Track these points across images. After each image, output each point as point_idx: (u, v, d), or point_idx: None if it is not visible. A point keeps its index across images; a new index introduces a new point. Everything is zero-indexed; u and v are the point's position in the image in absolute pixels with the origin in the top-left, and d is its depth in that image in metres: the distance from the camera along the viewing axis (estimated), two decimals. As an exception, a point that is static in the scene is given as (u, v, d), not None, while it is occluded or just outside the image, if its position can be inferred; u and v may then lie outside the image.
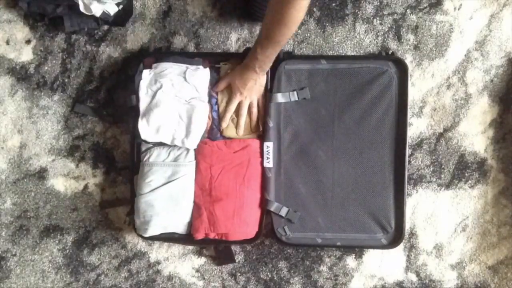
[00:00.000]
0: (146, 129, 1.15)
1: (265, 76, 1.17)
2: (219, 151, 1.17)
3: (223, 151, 1.17)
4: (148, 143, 1.17)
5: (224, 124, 1.19)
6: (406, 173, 1.20)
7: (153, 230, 1.14)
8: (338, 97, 1.20)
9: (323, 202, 1.20)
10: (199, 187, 1.16)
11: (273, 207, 1.19)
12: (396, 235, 1.21)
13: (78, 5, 1.16)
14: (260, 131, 1.20)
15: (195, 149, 1.18)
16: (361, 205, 1.20)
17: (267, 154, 1.19)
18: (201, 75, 1.16)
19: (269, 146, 1.19)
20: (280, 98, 1.20)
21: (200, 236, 1.17)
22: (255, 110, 1.19)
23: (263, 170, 1.19)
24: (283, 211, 1.19)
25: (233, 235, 1.16)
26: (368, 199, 1.20)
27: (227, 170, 1.16)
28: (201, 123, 1.16)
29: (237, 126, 1.19)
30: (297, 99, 1.20)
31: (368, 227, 1.20)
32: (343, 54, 1.26)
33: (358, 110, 1.20)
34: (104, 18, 1.20)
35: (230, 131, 1.19)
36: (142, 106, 1.16)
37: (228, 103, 1.18)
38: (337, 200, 1.20)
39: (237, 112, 1.19)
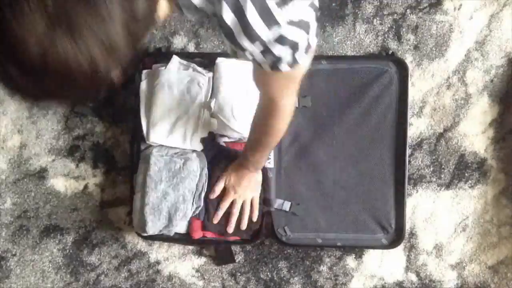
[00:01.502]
0: (153, 133, 1.14)
1: (260, 173, 1.16)
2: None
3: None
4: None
5: (215, 221, 1.17)
6: (407, 173, 1.20)
7: (152, 228, 1.13)
8: (338, 98, 1.20)
9: (324, 202, 1.20)
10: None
11: (276, 204, 1.19)
12: (397, 235, 1.21)
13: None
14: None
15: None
16: (362, 205, 1.20)
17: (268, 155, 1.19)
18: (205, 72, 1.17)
19: None
20: None
21: (197, 235, 1.17)
22: (247, 210, 1.17)
23: (264, 170, 1.19)
24: (286, 206, 1.20)
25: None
26: (368, 199, 1.20)
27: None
28: (208, 121, 1.16)
29: (227, 223, 1.16)
30: (297, 106, 1.20)
31: (369, 227, 1.20)
32: (343, 54, 1.26)
33: (359, 110, 1.20)
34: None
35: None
36: (142, 106, 1.16)
37: (221, 201, 1.16)
38: (338, 200, 1.20)
39: (230, 210, 1.17)
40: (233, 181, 1.14)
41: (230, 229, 1.16)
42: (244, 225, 1.16)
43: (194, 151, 1.17)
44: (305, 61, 0.71)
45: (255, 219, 1.17)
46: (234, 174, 1.14)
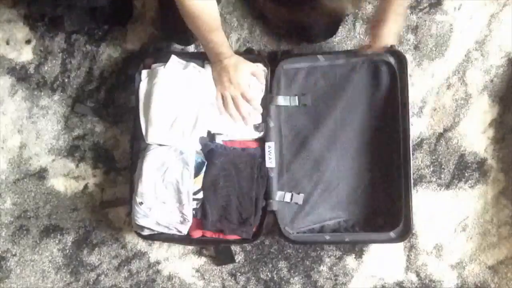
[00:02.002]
0: (152, 132, 1.14)
1: (234, 56, 1.15)
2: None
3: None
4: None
5: (232, 117, 1.16)
6: (411, 166, 1.18)
7: (146, 222, 1.13)
8: (338, 93, 1.20)
9: (329, 199, 1.20)
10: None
11: (276, 196, 1.19)
12: (405, 228, 1.19)
13: (77, 5, 1.16)
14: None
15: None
16: (368, 201, 1.20)
17: (269, 154, 1.19)
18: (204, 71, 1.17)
19: (270, 146, 1.19)
20: (280, 101, 1.20)
21: (196, 235, 1.17)
22: (244, 101, 1.16)
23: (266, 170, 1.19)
24: (287, 197, 1.20)
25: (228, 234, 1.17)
26: (374, 194, 1.20)
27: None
28: (205, 120, 1.16)
29: (242, 119, 1.16)
30: (297, 104, 1.20)
31: (376, 221, 1.20)
32: (340, 50, 1.26)
33: (359, 104, 1.20)
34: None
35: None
36: (141, 106, 1.16)
37: (223, 106, 1.17)
38: (343, 196, 1.20)
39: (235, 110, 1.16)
40: (216, 82, 1.15)
41: (247, 121, 1.17)
42: (247, 116, 1.16)
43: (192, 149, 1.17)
44: None
45: (257, 107, 1.17)
46: (214, 74, 1.15)
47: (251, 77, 1.16)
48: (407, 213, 1.19)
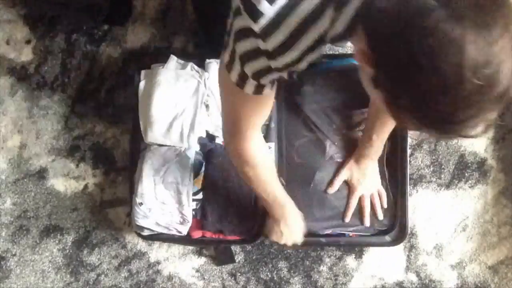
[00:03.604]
0: (151, 132, 1.14)
1: (377, 164, 1.15)
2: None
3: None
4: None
5: (346, 220, 1.16)
6: (408, 170, 1.19)
7: (146, 223, 1.13)
8: (337, 95, 1.20)
9: (326, 201, 1.20)
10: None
11: None
12: (400, 231, 1.20)
13: (74, 3, 1.16)
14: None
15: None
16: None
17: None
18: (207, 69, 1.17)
19: (271, 146, 1.19)
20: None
21: (196, 235, 1.17)
22: (377, 201, 1.16)
23: None
24: None
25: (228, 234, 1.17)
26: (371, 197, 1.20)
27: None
28: (204, 120, 1.16)
29: (362, 217, 1.16)
30: (297, 103, 1.20)
31: (372, 225, 1.20)
32: (340, 52, 1.26)
33: (358, 106, 1.20)
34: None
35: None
36: (140, 106, 1.16)
37: (349, 197, 1.16)
38: (340, 199, 1.20)
39: (360, 204, 1.16)
40: (356, 175, 1.13)
41: (366, 221, 1.16)
42: (380, 215, 1.16)
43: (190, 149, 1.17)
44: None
45: (385, 205, 1.17)
46: (356, 166, 1.13)
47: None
48: (403, 217, 1.19)
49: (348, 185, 1.16)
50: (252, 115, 0.83)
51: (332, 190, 1.16)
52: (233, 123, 0.85)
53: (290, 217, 1.04)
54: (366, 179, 1.14)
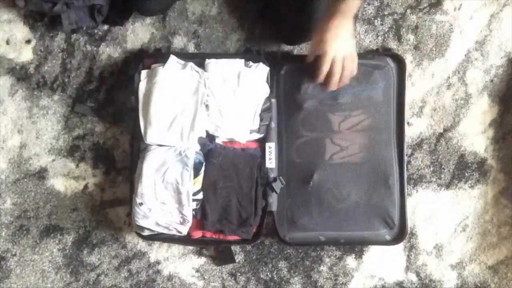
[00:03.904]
0: (151, 132, 1.14)
1: (351, 23, 1.03)
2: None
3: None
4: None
5: (319, 81, 1.06)
6: (405, 169, 1.20)
7: (146, 223, 1.13)
8: (337, 95, 1.20)
9: (326, 200, 1.20)
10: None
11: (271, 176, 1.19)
12: (400, 231, 1.21)
13: (74, 3, 1.16)
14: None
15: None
16: (364, 202, 1.20)
17: (269, 154, 1.19)
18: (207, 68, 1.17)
19: (271, 146, 1.19)
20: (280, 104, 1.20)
21: (196, 235, 1.17)
22: (347, 64, 1.05)
23: (266, 170, 1.19)
24: (278, 185, 1.19)
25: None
26: (370, 196, 1.20)
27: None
28: (204, 120, 1.16)
29: (329, 81, 1.04)
30: (296, 103, 1.20)
31: (372, 223, 1.20)
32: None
33: (358, 106, 1.20)
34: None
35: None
36: (141, 107, 1.16)
37: (321, 61, 1.02)
38: (340, 198, 1.20)
39: (330, 69, 1.04)
40: (328, 36, 0.98)
41: (333, 86, 1.06)
42: (346, 79, 1.07)
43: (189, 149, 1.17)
44: None
45: (355, 72, 1.07)
46: (327, 27, 0.98)
47: (258, 81, 1.08)
48: (402, 216, 1.20)
49: (319, 47, 1.02)
50: None
51: (309, 58, 1.06)
52: None
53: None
54: (338, 40, 0.99)
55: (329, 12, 0.99)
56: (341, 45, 1.01)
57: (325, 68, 1.04)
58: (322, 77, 1.06)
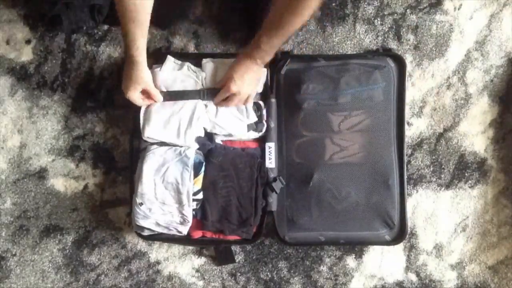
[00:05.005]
0: (148, 127, 1.15)
1: (264, 70, 1.15)
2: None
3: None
4: (151, 143, 1.17)
5: (214, 102, 1.14)
6: (405, 169, 1.20)
7: (146, 223, 1.13)
8: (337, 95, 1.20)
9: (326, 200, 1.20)
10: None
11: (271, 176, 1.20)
12: (400, 231, 1.21)
13: (74, 3, 1.16)
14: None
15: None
16: (364, 203, 1.20)
17: (269, 154, 1.19)
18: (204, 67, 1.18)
19: (271, 146, 1.19)
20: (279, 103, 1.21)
21: (196, 235, 1.17)
22: (249, 106, 1.16)
23: (266, 170, 1.19)
24: (278, 185, 1.20)
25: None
26: (370, 197, 1.20)
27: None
28: (202, 118, 1.16)
29: (218, 104, 1.14)
30: (296, 103, 1.20)
31: (372, 224, 1.20)
32: (340, 53, 1.26)
33: (358, 106, 1.20)
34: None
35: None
36: (142, 107, 1.16)
37: (221, 90, 1.12)
38: (340, 198, 1.20)
39: (225, 103, 1.14)
40: (234, 74, 1.08)
41: (217, 102, 1.14)
42: (230, 104, 1.14)
43: (189, 148, 1.17)
44: None
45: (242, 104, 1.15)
46: (237, 66, 1.08)
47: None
48: (402, 216, 1.20)
49: (227, 81, 1.10)
50: None
51: (217, 99, 1.14)
52: None
53: (133, 65, 1.04)
54: (244, 81, 1.09)
55: (244, 54, 1.07)
56: (243, 85, 1.10)
57: (220, 98, 1.14)
58: (217, 100, 1.15)
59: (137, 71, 1.06)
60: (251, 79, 1.11)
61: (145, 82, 1.09)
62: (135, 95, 1.10)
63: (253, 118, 1.18)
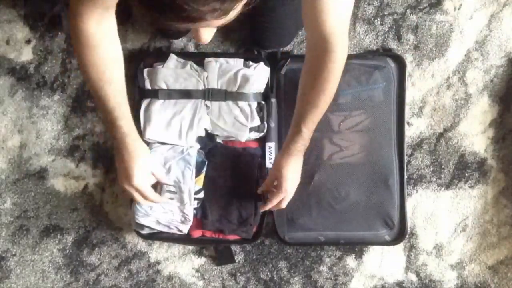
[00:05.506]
0: (149, 128, 1.15)
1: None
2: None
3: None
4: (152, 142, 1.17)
5: (261, 210, 1.10)
6: (405, 168, 1.20)
7: (147, 221, 1.13)
8: (337, 95, 1.20)
9: (326, 200, 1.20)
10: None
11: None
12: (400, 231, 1.21)
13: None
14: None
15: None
16: (364, 203, 1.20)
17: (269, 154, 1.19)
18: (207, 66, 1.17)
19: (271, 146, 1.19)
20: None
21: (196, 234, 1.17)
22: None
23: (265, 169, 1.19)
24: None
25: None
26: (370, 197, 1.20)
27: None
28: (204, 119, 1.16)
29: (275, 205, 1.07)
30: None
31: (371, 224, 1.20)
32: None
33: (358, 106, 1.20)
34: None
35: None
36: (144, 105, 1.16)
37: (272, 195, 1.05)
38: (340, 198, 1.20)
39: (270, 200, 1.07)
40: (290, 174, 1.01)
41: (272, 206, 1.07)
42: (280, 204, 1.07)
43: (192, 147, 1.17)
44: None
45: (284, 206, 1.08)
46: (288, 164, 1.00)
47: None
48: (402, 216, 1.20)
49: (279, 180, 1.04)
50: None
51: (267, 206, 1.07)
52: None
53: (124, 144, 0.89)
54: (296, 178, 1.04)
55: (289, 149, 1.01)
56: (294, 182, 1.05)
57: (275, 202, 1.06)
58: (267, 207, 1.07)
59: (134, 149, 0.91)
60: (299, 173, 1.05)
61: (150, 162, 0.95)
62: (145, 184, 0.96)
63: (257, 122, 1.18)
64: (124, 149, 0.90)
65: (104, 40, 0.85)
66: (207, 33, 0.62)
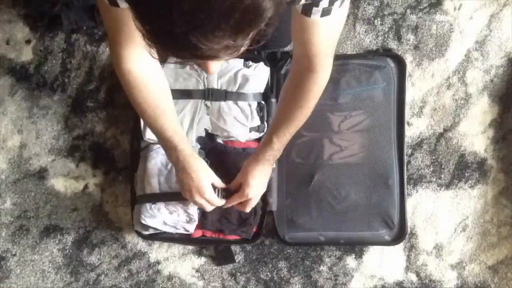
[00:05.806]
0: (148, 129, 1.15)
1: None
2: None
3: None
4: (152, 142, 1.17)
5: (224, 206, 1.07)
6: (405, 169, 1.20)
7: (153, 223, 1.13)
8: (337, 95, 1.20)
9: (326, 201, 1.20)
10: None
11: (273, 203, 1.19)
12: (400, 231, 1.21)
13: (74, 3, 1.16)
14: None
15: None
16: (364, 203, 1.20)
17: None
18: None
19: None
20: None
21: (196, 234, 1.17)
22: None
23: None
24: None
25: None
26: (370, 197, 1.20)
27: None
28: (204, 119, 1.16)
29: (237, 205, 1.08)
30: None
31: (371, 224, 1.20)
32: (340, 53, 1.26)
33: (358, 106, 1.20)
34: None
35: None
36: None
37: (235, 194, 1.05)
38: (340, 198, 1.20)
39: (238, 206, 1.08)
40: (253, 181, 1.03)
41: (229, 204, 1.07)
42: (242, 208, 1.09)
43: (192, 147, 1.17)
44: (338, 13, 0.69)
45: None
46: (253, 171, 1.02)
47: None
48: (402, 216, 1.20)
49: (244, 186, 1.04)
50: (115, 31, 0.80)
51: (227, 204, 1.06)
52: (109, 40, 0.82)
53: (188, 164, 0.95)
54: (259, 186, 1.05)
55: (256, 159, 1.02)
56: (258, 189, 1.06)
57: (234, 203, 1.06)
58: (227, 205, 1.07)
59: (198, 168, 0.97)
60: (265, 181, 1.07)
61: (211, 175, 1.01)
62: (213, 194, 1.01)
63: (257, 122, 1.18)
64: (190, 169, 0.97)
65: (151, 77, 0.89)
66: (214, 65, 0.64)
